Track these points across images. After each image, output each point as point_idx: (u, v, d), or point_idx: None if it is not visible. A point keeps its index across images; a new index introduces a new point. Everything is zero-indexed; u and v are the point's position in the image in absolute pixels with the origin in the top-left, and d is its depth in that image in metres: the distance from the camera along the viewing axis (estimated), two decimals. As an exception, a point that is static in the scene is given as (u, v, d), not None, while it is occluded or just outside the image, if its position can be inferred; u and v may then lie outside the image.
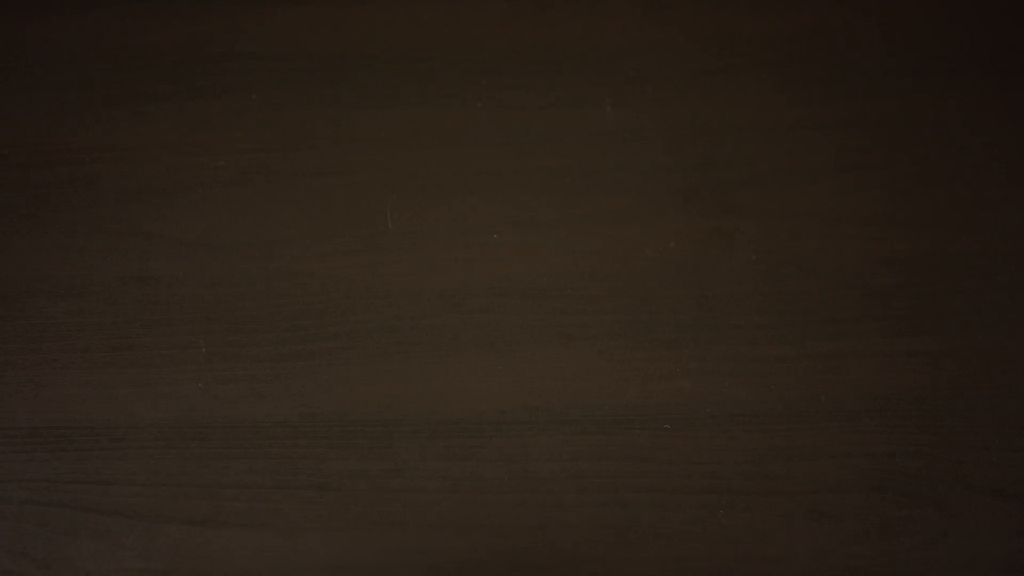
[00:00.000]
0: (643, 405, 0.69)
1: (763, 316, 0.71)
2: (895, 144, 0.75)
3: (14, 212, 0.73)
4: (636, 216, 0.73)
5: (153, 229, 0.73)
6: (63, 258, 0.72)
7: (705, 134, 0.75)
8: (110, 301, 0.71)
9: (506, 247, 0.73)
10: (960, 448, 0.70)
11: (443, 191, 0.74)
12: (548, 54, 0.77)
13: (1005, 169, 0.75)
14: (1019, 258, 0.73)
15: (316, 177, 0.74)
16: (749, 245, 0.73)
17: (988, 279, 0.73)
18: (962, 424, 0.70)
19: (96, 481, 0.68)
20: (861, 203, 0.74)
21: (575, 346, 0.71)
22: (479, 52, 0.77)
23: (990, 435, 0.70)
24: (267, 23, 0.77)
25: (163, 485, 0.68)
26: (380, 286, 0.72)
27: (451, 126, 0.75)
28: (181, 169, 0.73)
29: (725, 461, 0.69)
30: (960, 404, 0.71)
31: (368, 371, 0.70)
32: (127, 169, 0.74)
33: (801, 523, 0.68)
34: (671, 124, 0.75)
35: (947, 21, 0.78)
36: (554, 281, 0.72)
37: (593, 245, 0.73)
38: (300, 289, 0.72)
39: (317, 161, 0.74)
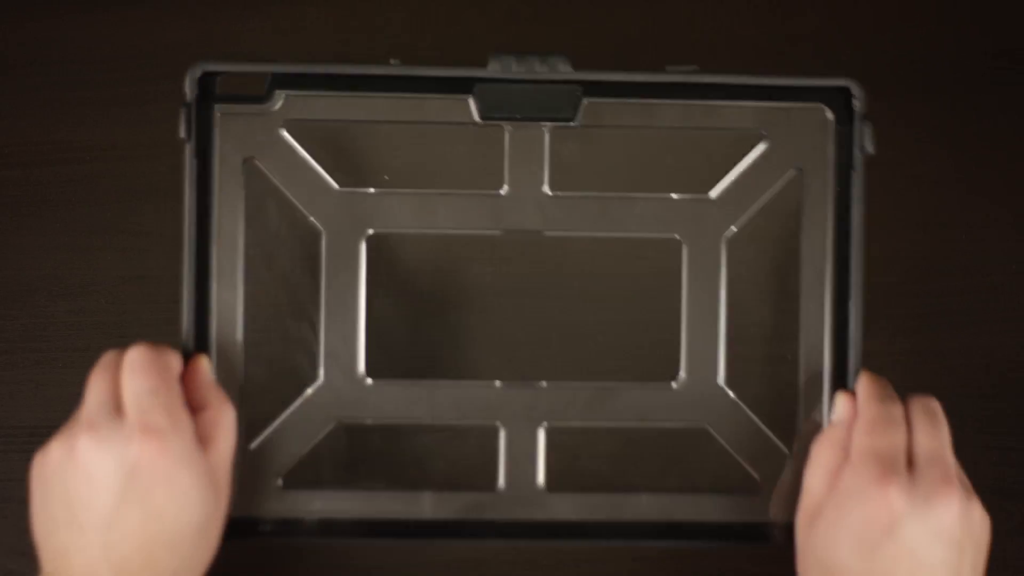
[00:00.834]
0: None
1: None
2: (895, 144, 0.75)
3: (14, 212, 0.73)
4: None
5: (153, 229, 0.73)
6: (63, 258, 0.72)
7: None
8: (110, 301, 0.71)
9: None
10: (960, 448, 0.70)
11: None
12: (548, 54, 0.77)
13: (1005, 169, 0.75)
14: (1019, 258, 0.73)
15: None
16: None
17: (988, 279, 0.73)
18: (962, 424, 0.70)
19: (96, 481, 0.68)
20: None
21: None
22: (479, 52, 0.77)
23: (990, 435, 0.70)
24: (267, 23, 0.77)
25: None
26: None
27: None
28: (181, 169, 0.73)
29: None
30: (960, 404, 0.71)
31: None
32: (127, 169, 0.74)
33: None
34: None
35: (948, 21, 0.78)
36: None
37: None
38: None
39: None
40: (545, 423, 0.65)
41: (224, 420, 0.61)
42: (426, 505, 0.65)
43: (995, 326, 0.72)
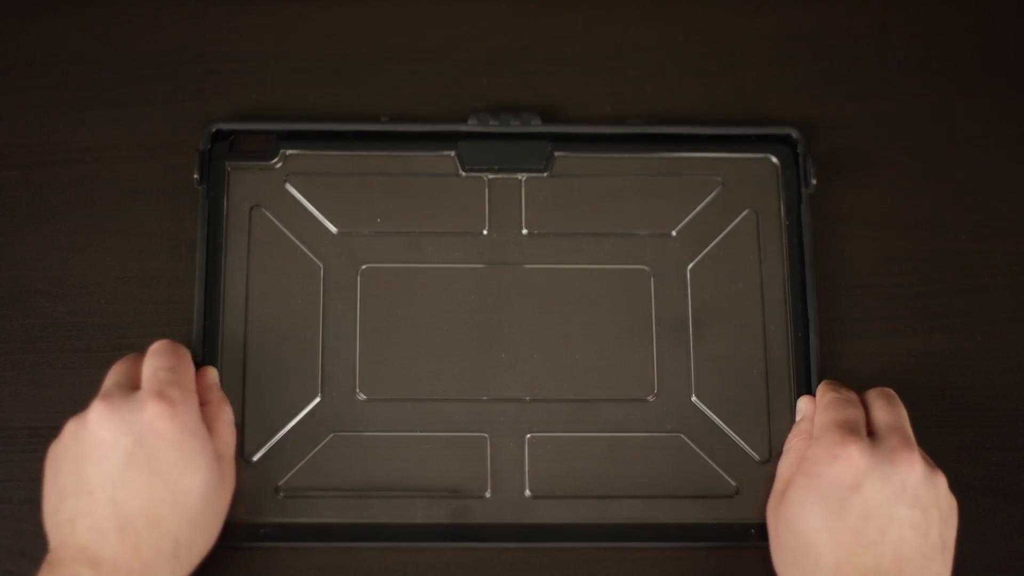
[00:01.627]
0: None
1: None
2: (895, 144, 0.75)
3: (14, 212, 0.73)
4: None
5: (153, 229, 0.73)
6: (63, 258, 0.72)
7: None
8: (110, 301, 0.71)
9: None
10: (960, 448, 0.70)
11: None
12: (548, 54, 0.77)
13: (1005, 169, 0.75)
14: (1019, 258, 0.73)
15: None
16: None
17: (988, 279, 0.73)
18: (962, 424, 0.70)
19: (96, 481, 0.68)
20: (861, 203, 0.74)
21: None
22: (479, 52, 0.77)
23: (990, 435, 0.70)
24: (267, 24, 0.77)
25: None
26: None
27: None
28: (181, 169, 0.73)
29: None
30: (960, 404, 0.71)
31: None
32: (127, 169, 0.74)
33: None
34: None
35: (948, 22, 0.78)
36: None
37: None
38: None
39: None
40: (530, 434, 0.69)
41: (224, 415, 0.66)
42: (418, 511, 0.67)
43: (995, 326, 0.72)
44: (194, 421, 0.62)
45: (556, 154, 0.73)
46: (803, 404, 0.68)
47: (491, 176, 0.73)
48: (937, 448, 0.68)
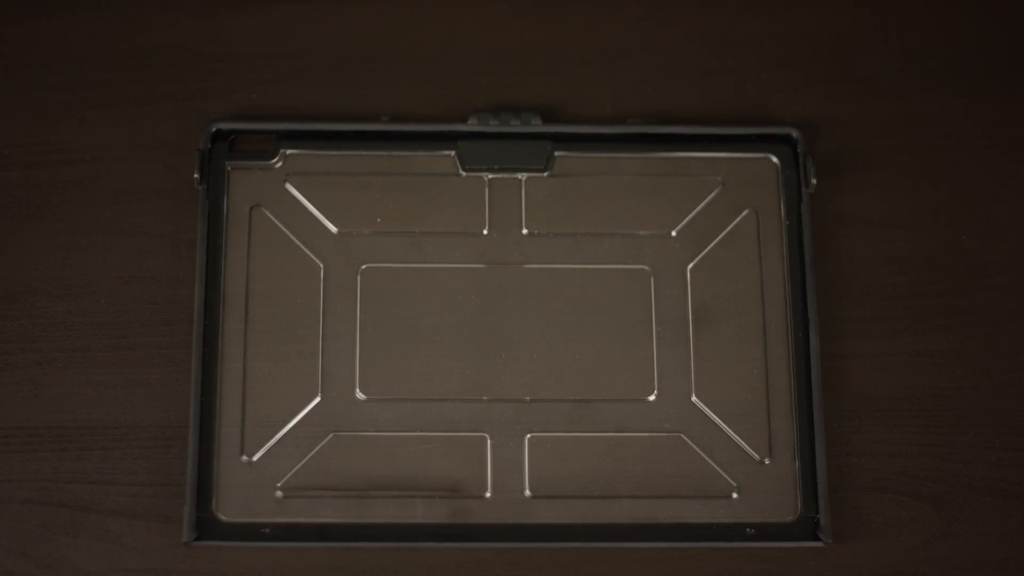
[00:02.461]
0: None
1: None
2: (895, 144, 0.75)
3: (14, 212, 0.73)
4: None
5: (153, 229, 0.73)
6: (63, 258, 0.72)
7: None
8: (110, 301, 0.71)
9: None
10: (960, 448, 0.70)
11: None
12: (548, 54, 0.77)
13: (1006, 169, 0.75)
14: (1019, 258, 0.73)
15: (316, 177, 0.74)
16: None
17: (988, 279, 0.73)
18: (962, 424, 0.70)
19: (96, 481, 0.68)
20: (861, 203, 0.74)
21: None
22: (479, 53, 0.77)
23: (990, 435, 0.70)
24: (267, 24, 0.77)
25: (163, 485, 0.68)
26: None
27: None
28: (181, 169, 0.73)
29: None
30: (960, 404, 0.71)
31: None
32: (127, 169, 0.74)
33: (801, 523, 0.69)
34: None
35: (948, 22, 0.78)
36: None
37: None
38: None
39: (317, 161, 0.74)
40: (529, 434, 0.69)
41: None
42: (418, 511, 0.67)
43: (995, 326, 0.72)
44: None
45: (556, 154, 0.73)
46: None
47: (491, 176, 0.73)
48: (937, 448, 0.68)
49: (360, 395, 0.69)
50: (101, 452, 0.69)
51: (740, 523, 0.68)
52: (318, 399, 0.69)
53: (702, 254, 0.72)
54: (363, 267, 0.71)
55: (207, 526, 0.66)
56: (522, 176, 0.73)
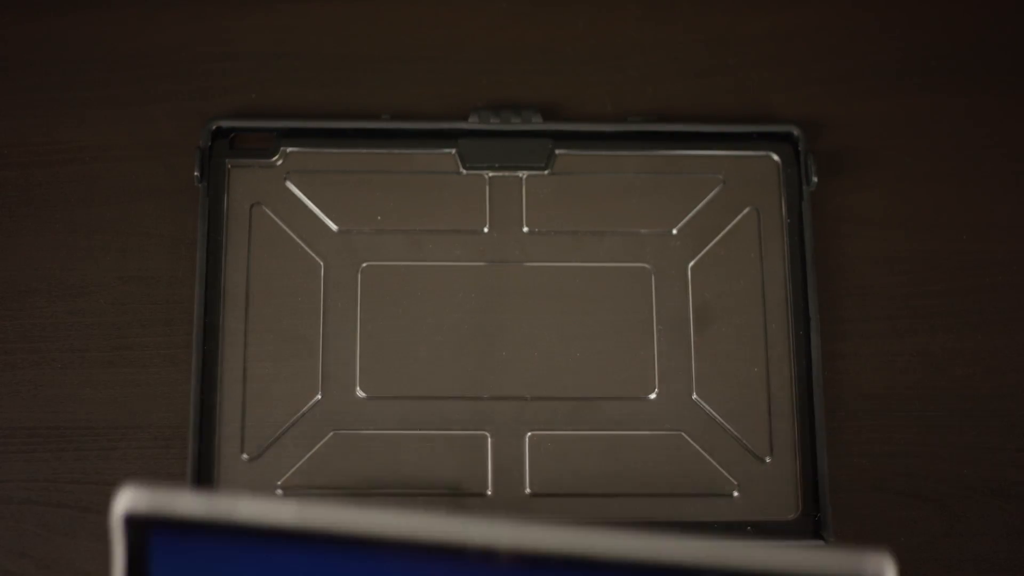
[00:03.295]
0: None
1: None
2: (895, 144, 0.75)
3: (14, 212, 0.73)
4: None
5: (153, 229, 0.73)
6: (63, 258, 0.72)
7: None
8: (110, 301, 0.71)
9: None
10: (960, 448, 0.70)
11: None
12: (548, 53, 0.77)
13: (1006, 169, 0.75)
14: (1019, 258, 0.73)
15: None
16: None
17: (988, 279, 0.73)
18: (962, 424, 0.70)
19: (96, 481, 0.68)
20: (861, 203, 0.74)
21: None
22: (479, 52, 0.77)
23: (990, 435, 0.70)
24: (267, 23, 0.77)
25: (163, 485, 0.68)
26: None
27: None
28: (181, 168, 0.73)
29: (725, 461, 0.70)
30: (960, 404, 0.71)
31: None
32: (127, 169, 0.74)
33: (801, 523, 0.69)
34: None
35: (948, 22, 0.78)
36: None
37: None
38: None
39: (317, 161, 0.74)
40: (530, 432, 0.69)
41: None
42: (418, 509, 0.67)
43: (995, 326, 0.72)
44: None
45: (557, 152, 0.73)
46: None
47: (492, 174, 0.73)
48: (938, 448, 0.68)
49: (360, 393, 0.69)
50: (101, 452, 0.69)
51: (740, 521, 0.68)
52: (318, 397, 0.69)
53: (703, 252, 0.72)
54: (363, 265, 0.71)
55: None
56: (523, 174, 0.73)
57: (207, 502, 0.44)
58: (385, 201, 0.72)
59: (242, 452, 0.68)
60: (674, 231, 0.72)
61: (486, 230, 0.72)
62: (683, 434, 0.69)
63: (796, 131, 0.73)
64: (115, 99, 0.75)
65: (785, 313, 0.71)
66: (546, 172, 0.73)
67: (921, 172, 0.75)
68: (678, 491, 0.68)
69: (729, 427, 0.69)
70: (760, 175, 0.73)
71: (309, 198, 0.72)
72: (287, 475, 0.68)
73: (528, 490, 0.68)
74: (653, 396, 0.70)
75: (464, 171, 0.73)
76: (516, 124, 0.73)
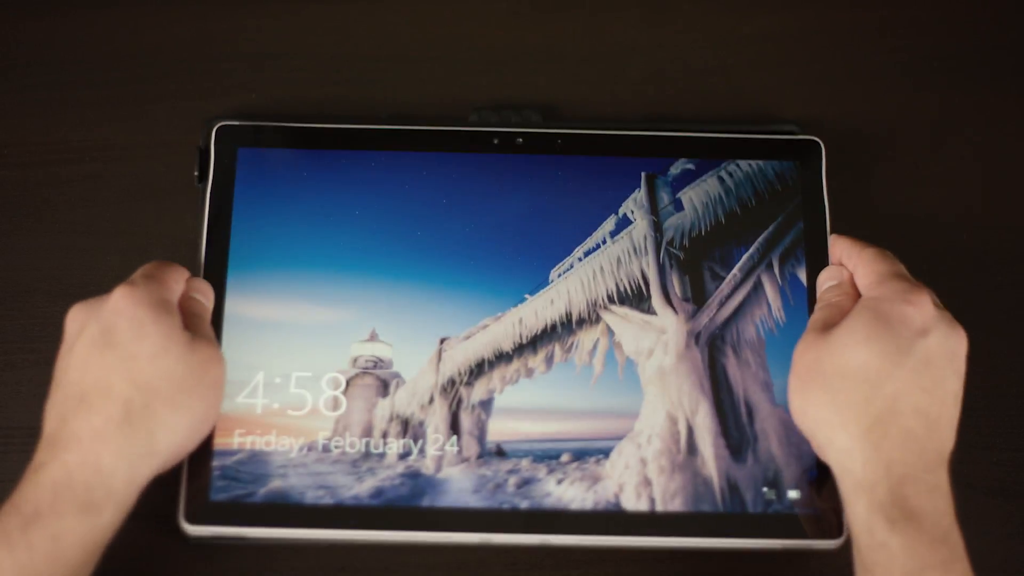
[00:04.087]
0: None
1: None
2: (895, 143, 0.76)
3: (14, 212, 0.73)
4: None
5: (153, 229, 0.73)
6: (63, 258, 0.72)
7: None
8: (110, 301, 0.71)
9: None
10: (960, 448, 0.70)
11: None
12: (548, 54, 0.77)
13: (1006, 169, 0.75)
14: (1019, 258, 0.74)
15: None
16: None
17: (988, 279, 0.73)
18: (962, 424, 0.70)
19: (96, 481, 0.68)
20: (861, 202, 0.74)
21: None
22: (479, 52, 0.77)
23: (990, 435, 0.70)
24: (267, 23, 0.77)
25: (161, 484, 0.68)
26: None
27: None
28: (181, 168, 0.72)
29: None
30: (960, 404, 0.71)
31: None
32: (127, 169, 0.74)
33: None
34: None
35: (948, 22, 0.78)
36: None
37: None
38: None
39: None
40: None
41: (196, 306, 0.66)
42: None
43: (995, 326, 0.72)
44: (152, 298, 0.62)
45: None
46: (832, 271, 0.68)
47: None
48: (938, 448, 0.68)
49: None
50: (101, 452, 0.68)
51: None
52: None
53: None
54: None
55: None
56: None
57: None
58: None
59: None
60: None
61: None
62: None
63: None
64: (115, 99, 0.75)
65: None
66: None
67: (921, 172, 0.75)
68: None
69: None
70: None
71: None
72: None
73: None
74: None
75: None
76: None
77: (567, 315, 0.70)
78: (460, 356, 0.69)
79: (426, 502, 0.65)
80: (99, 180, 0.73)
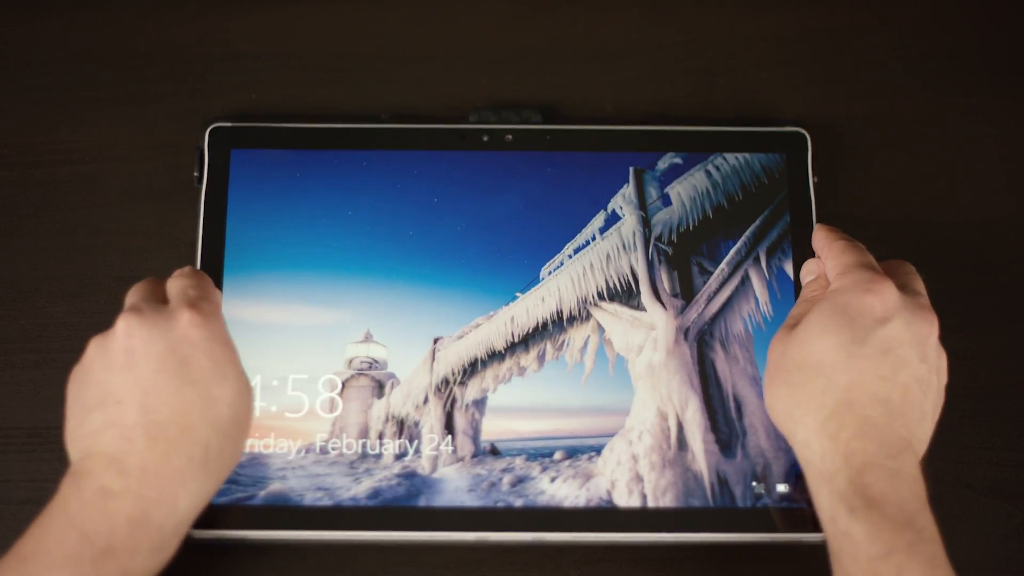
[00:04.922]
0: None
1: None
2: (895, 144, 0.75)
3: (13, 212, 0.73)
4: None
5: (153, 229, 0.73)
6: (63, 258, 0.72)
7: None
8: (110, 301, 0.71)
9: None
10: (960, 448, 0.70)
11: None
12: (548, 54, 0.77)
13: (1005, 169, 0.75)
14: (1019, 258, 0.73)
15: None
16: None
17: (988, 279, 0.73)
18: (962, 424, 0.70)
19: (96, 481, 0.68)
20: (861, 203, 0.74)
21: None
22: (479, 52, 0.77)
23: (990, 435, 0.70)
24: (267, 23, 0.77)
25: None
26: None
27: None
28: (181, 169, 0.73)
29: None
30: (960, 404, 0.70)
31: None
32: (127, 169, 0.74)
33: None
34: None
35: (948, 22, 0.78)
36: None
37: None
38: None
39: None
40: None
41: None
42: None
43: (995, 326, 0.72)
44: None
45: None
46: (812, 265, 0.68)
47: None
48: (937, 448, 0.67)
49: None
50: (101, 452, 0.69)
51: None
52: None
53: None
54: None
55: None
56: None
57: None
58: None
59: None
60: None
61: None
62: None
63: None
64: (115, 99, 0.75)
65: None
66: None
67: (920, 172, 0.75)
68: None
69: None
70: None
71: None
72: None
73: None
74: None
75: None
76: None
77: (558, 313, 0.70)
78: (453, 356, 0.69)
79: (422, 502, 0.66)
80: (99, 180, 0.74)
